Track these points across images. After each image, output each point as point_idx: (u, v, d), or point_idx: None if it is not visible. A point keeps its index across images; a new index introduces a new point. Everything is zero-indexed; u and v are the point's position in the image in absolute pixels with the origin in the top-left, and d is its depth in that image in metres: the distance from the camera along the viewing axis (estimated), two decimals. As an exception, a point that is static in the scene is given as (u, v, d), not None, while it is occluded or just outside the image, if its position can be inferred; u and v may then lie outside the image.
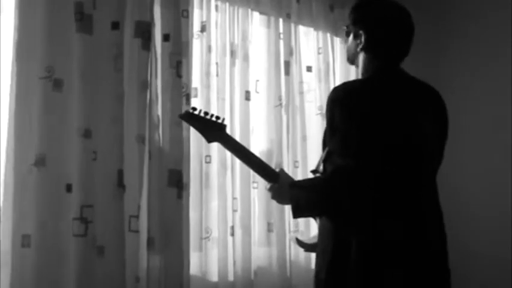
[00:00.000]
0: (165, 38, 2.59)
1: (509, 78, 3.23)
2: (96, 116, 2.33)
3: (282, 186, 1.89)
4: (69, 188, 2.25)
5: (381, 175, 1.61)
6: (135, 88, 2.46)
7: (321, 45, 3.35)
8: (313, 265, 1.86)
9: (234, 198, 2.82)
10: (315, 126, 3.25)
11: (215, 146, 2.70)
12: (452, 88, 3.25)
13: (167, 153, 2.53)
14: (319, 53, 3.34)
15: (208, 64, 2.80)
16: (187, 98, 2.63)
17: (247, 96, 2.92)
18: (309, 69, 3.31)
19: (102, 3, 2.39)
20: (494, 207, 3.24)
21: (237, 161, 2.75)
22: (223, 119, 1.94)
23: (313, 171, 1.92)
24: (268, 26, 3.10)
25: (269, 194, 1.96)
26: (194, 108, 1.91)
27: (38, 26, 2.25)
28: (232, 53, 2.90)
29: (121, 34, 2.43)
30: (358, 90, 1.73)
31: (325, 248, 1.74)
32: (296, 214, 1.79)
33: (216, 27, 2.86)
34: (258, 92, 3.04)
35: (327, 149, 1.77)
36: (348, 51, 1.92)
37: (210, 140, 1.96)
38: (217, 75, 2.82)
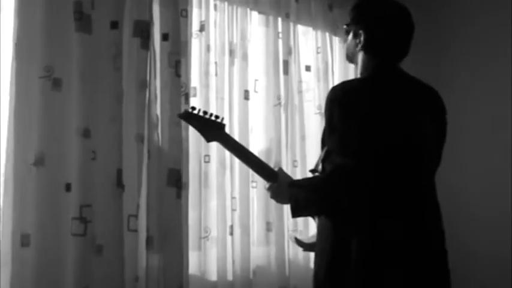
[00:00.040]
0: (164, 37, 2.59)
1: (509, 78, 3.23)
2: (95, 116, 2.33)
3: (280, 186, 1.89)
4: (68, 187, 2.25)
5: (381, 174, 1.62)
6: (134, 87, 2.46)
7: (319, 44, 3.35)
8: (312, 264, 1.86)
9: (233, 198, 2.82)
10: (314, 125, 3.25)
11: (214, 146, 2.70)
12: (452, 88, 3.26)
13: (166, 152, 2.53)
14: (318, 53, 3.34)
15: (207, 63, 2.80)
16: (186, 97, 2.63)
17: (246, 95, 2.93)
18: (307, 68, 3.31)
19: (101, 3, 2.39)
20: (494, 207, 3.24)
21: (236, 161, 2.75)
22: (223, 119, 1.94)
23: (312, 171, 1.92)
24: (267, 26, 3.10)
25: (268, 194, 1.95)
26: (193, 108, 1.90)
27: (37, 26, 2.25)
28: (231, 53, 2.90)
29: (120, 33, 2.43)
30: (356, 89, 1.73)
31: (324, 247, 1.74)
32: (295, 213, 1.78)
33: (215, 27, 2.86)
34: (256, 92, 3.05)
35: (325, 148, 1.76)
36: (347, 49, 1.92)
37: (209, 140, 1.96)
38: (216, 74, 2.82)
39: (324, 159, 1.76)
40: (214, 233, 2.75)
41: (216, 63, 2.82)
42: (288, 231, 2.99)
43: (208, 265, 2.72)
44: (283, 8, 3.14)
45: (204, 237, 2.72)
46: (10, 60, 2.19)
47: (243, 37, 2.96)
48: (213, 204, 2.77)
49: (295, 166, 3.12)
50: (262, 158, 2.07)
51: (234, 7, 2.95)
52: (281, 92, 3.07)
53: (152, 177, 2.48)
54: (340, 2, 3.42)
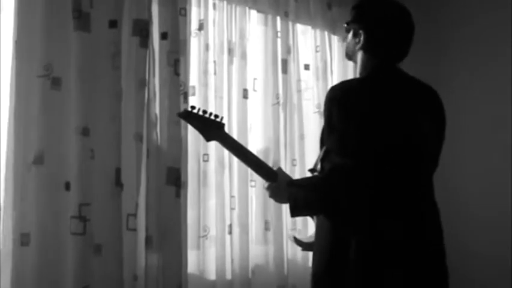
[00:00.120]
0: (163, 36, 2.58)
1: (509, 78, 3.23)
2: (94, 114, 2.32)
3: (279, 185, 1.89)
4: (67, 186, 2.25)
5: (380, 174, 1.62)
6: (133, 86, 2.46)
7: (318, 43, 3.35)
8: (310, 263, 1.86)
9: (231, 197, 2.82)
10: (313, 124, 3.25)
11: (213, 145, 2.70)
12: (452, 88, 3.26)
13: (165, 151, 2.53)
14: (316, 51, 3.34)
15: (206, 62, 2.80)
16: (185, 96, 2.62)
17: (245, 94, 2.92)
18: (306, 67, 3.31)
19: (100, 2, 2.39)
20: (494, 207, 3.23)
21: (235, 160, 2.75)
22: (222, 118, 1.94)
23: (311, 170, 1.92)
24: (266, 24, 3.10)
25: (267, 193, 1.95)
26: (193, 107, 1.90)
27: (37, 25, 2.25)
28: (230, 51, 2.90)
29: (119, 32, 2.43)
30: (355, 89, 1.73)
31: (323, 247, 1.74)
32: (294, 213, 1.78)
33: (214, 26, 2.85)
34: (255, 90, 3.04)
35: (324, 147, 1.76)
36: (347, 48, 1.92)
37: (208, 139, 1.96)
38: (215, 73, 2.82)
39: (323, 159, 1.76)
40: (213, 232, 2.75)
41: (215, 62, 2.82)
42: (287, 230, 2.99)
43: (207, 264, 2.72)
44: (282, 7, 3.14)
45: (203, 236, 2.72)
46: (10, 59, 2.19)
47: (242, 36, 2.96)
48: (212, 203, 2.77)
49: (294, 165, 3.12)
50: (261, 157, 2.07)
51: (233, 6, 2.94)
52: (280, 91, 3.07)
53: (151, 176, 2.48)
54: (339, 1, 3.42)
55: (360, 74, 1.84)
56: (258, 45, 3.09)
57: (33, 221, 2.18)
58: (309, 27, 3.34)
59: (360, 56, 1.84)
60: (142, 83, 2.47)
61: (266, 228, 2.96)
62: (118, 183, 2.35)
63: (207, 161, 2.77)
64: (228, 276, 2.75)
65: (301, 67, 3.28)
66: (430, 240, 1.70)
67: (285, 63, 3.12)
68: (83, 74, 2.29)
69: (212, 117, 1.92)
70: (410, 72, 1.82)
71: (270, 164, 2.75)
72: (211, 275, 2.72)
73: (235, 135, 2.77)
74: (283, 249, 2.96)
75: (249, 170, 2.30)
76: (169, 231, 2.48)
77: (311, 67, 3.32)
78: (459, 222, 3.17)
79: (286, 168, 2.98)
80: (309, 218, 2.65)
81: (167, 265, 2.46)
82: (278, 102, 3.05)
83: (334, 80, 3.37)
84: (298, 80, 3.23)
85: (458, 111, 2.93)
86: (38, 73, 2.23)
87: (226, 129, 1.97)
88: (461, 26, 3.48)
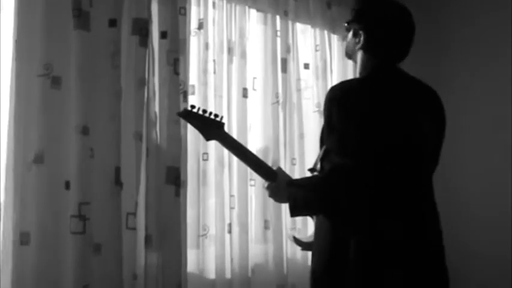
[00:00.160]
0: (163, 35, 2.58)
1: (509, 78, 3.23)
2: (93, 113, 2.33)
3: (279, 185, 1.89)
4: (67, 185, 2.25)
5: (380, 174, 1.61)
6: (132, 85, 2.46)
7: (318, 42, 3.34)
8: (310, 262, 1.86)
9: (231, 196, 2.82)
10: (313, 123, 3.25)
11: (212, 144, 2.69)
12: (452, 88, 3.26)
13: (165, 150, 2.53)
14: (316, 50, 3.34)
15: (206, 61, 2.80)
16: (185, 95, 2.62)
17: (244, 93, 2.92)
18: (306, 66, 3.31)
19: (99, 1, 2.39)
20: (494, 207, 3.24)
21: (234, 159, 2.75)
22: (222, 117, 1.94)
23: (311, 170, 1.92)
24: (266, 23, 3.09)
25: (266, 192, 1.95)
26: (193, 106, 1.90)
27: (37, 24, 2.25)
28: (230, 51, 2.90)
29: (118, 31, 2.43)
30: (355, 89, 1.73)
31: (322, 247, 1.74)
32: (293, 213, 1.78)
33: (214, 25, 2.85)
34: (255, 90, 3.04)
35: (324, 147, 1.76)
36: (347, 47, 1.91)
37: (208, 138, 1.95)
38: (214, 72, 2.82)
39: (323, 159, 1.76)
40: (212, 231, 2.75)
41: (214, 61, 2.82)
42: (286, 229, 3.00)
43: (207, 263, 2.73)
44: (281, 6, 3.14)
45: (203, 235, 2.72)
46: (10, 59, 2.19)
47: (242, 35, 2.96)
48: (212, 202, 2.77)
49: (293, 164, 3.12)
50: (261, 156, 2.07)
51: (233, 5, 2.94)
52: (279, 90, 3.07)
53: (151, 175, 2.48)
54: (338, 0, 3.42)
55: (360, 74, 1.84)
56: (258, 44, 3.09)
57: (33, 220, 2.18)
58: (309, 26, 3.34)
59: (359, 56, 1.83)
60: (142, 82, 2.47)
61: (266, 227, 2.96)
62: (118, 182, 2.35)
63: (206, 160, 2.77)
64: (228, 275, 2.76)
65: (301, 66, 3.28)
66: (430, 240, 1.70)
67: (284, 62, 3.12)
68: (82, 73, 2.29)
69: (212, 116, 1.91)
70: (410, 73, 1.81)
71: (270, 163, 2.75)
72: (211, 274, 2.73)
73: (234, 134, 2.77)
74: (282, 248, 2.97)
75: (249, 169, 2.30)
76: (168, 230, 2.48)
77: (311, 66, 3.32)
78: (459, 222, 3.17)
79: (285, 167, 2.98)
80: (308, 217, 2.65)
81: (167, 264, 2.46)
82: (278, 101, 3.05)
83: (334, 79, 3.37)
84: (298, 79, 3.23)
85: (458, 111, 2.93)
86: (38, 72, 2.23)
87: (225, 128, 1.97)
88: (461, 26, 3.48)
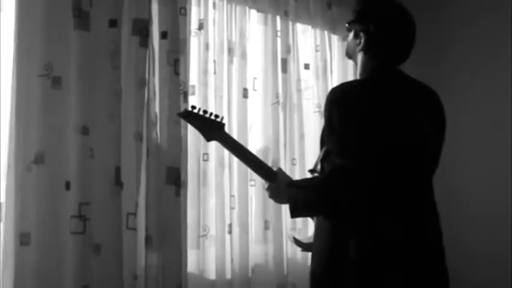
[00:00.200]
0: (163, 35, 2.58)
1: (509, 78, 3.23)
2: (93, 113, 2.33)
3: (279, 186, 1.88)
4: (67, 185, 2.25)
5: (380, 175, 1.61)
6: (132, 85, 2.46)
7: (318, 42, 3.34)
8: (309, 262, 1.86)
9: (231, 196, 2.82)
10: (313, 124, 3.25)
11: (213, 144, 2.69)
12: (452, 88, 3.26)
13: (165, 150, 2.53)
14: (316, 51, 3.34)
15: (206, 62, 2.80)
16: (185, 95, 2.62)
17: (244, 93, 2.92)
18: (306, 66, 3.31)
19: (99, 1, 2.39)
20: (494, 207, 3.23)
21: (235, 159, 2.75)
22: (222, 118, 1.93)
23: (311, 171, 1.92)
24: (266, 24, 3.09)
25: (267, 193, 1.95)
26: (193, 107, 1.90)
27: (37, 24, 2.25)
28: (230, 51, 2.90)
29: (118, 31, 2.43)
30: (355, 90, 1.73)
31: (322, 248, 1.74)
32: (294, 214, 1.78)
33: (214, 25, 2.85)
34: (255, 90, 3.04)
35: (324, 148, 1.76)
36: (347, 47, 1.91)
37: (208, 139, 1.95)
38: (214, 72, 2.82)
39: (323, 160, 1.76)
40: (213, 231, 2.75)
41: (214, 61, 2.82)
42: (286, 229, 3.00)
43: (207, 263, 2.73)
44: (281, 6, 3.14)
45: (203, 236, 2.72)
46: (11, 59, 2.19)
47: (242, 35, 2.96)
48: (212, 202, 2.77)
49: (293, 164, 3.12)
50: (261, 156, 2.07)
51: (233, 5, 2.94)
52: (280, 90, 3.07)
53: (151, 176, 2.48)
54: (339, 0, 3.42)
55: (360, 75, 1.84)
56: (258, 45, 3.09)
57: (33, 220, 2.18)
58: (309, 27, 3.34)
59: (360, 57, 1.83)
60: (142, 82, 2.47)
61: (266, 227, 2.96)
62: (118, 182, 2.35)
63: (206, 160, 2.77)
64: (228, 275, 2.76)
65: (301, 66, 3.28)
66: (430, 240, 1.70)
67: (284, 62, 3.12)
68: (83, 73, 2.29)
69: (212, 117, 1.91)
70: (411, 73, 1.81)
71: (270, 164, 2.75)
72: (211, 275, 2.72)
73: (235, 135, 2.78)
74: (282, 249, 2.97)
75: (249, 170, 2.31)
76: (169, 231, 2.48)
77: (311, 66, 3.32)
78: (459, 222, 3.18)
79: (285, 167, 2.98)
80: (308, 218, 2.65)
81: (167, 264, 2.46)
82: (278, 102, 3.05)
83: (334, 79, 3.37)
84: (298, 80, 3.23)
85: (458, 111, 2.93)
86: (38, 72, 2.23)
87: (226, 128, 1.97)
88: (461, 26, 3.48)
